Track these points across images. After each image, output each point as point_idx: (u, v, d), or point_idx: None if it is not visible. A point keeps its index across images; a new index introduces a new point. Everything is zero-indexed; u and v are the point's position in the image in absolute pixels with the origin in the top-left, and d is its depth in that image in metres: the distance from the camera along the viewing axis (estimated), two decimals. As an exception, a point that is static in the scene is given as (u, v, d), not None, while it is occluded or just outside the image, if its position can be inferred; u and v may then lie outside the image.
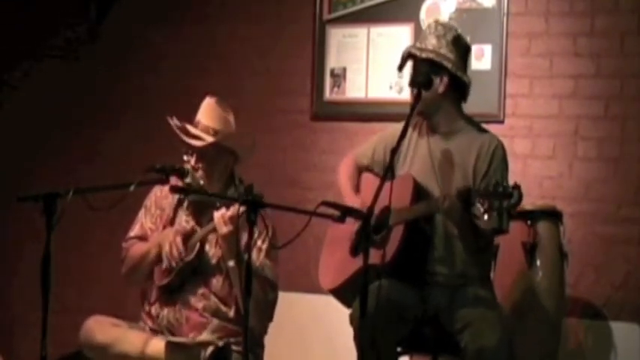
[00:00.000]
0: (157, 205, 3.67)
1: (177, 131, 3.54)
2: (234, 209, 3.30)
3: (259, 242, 3.49)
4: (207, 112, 3.59)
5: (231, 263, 3.38)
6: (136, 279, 3.64)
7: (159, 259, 3.54)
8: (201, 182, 3.51)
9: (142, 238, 3.65)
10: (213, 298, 3.50)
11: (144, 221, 3.67)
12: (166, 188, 3.57)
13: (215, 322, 3.48)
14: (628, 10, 4.40)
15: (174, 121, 3.56)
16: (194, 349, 3.35)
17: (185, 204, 3.62)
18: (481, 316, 3.30)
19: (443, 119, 3.53)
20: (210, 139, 3.51)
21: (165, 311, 3.52)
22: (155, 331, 3.52)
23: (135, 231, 3.67)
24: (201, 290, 3.50)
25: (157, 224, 3.64)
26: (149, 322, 3.56)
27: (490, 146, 3.48)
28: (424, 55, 3.47)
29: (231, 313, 3.49)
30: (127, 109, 5.38)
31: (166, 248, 3.48)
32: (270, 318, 3.55)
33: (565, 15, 4.52)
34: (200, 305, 3.49)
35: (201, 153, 3.52)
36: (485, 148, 3.47)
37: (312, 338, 4.82)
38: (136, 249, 3.62)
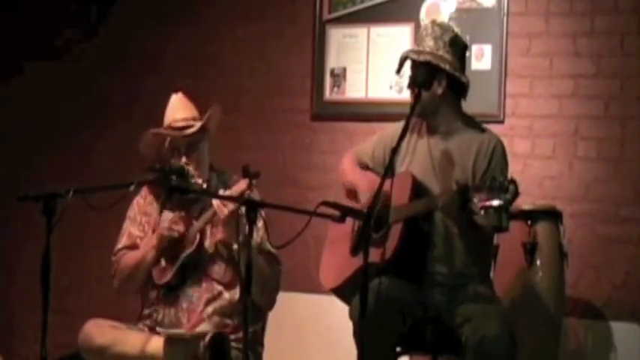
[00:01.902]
0: (141, 213, 3.66)
1: (169, 131, 3.57)
2: (231, 192, 3.30)
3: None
4: (180, 105, 3.66)
5: (235, 246, 3.38)
6: (133, 287, 3.61)
7: (157, 261, 3.54)
8: (194, 173, 3.51)
9: (132, 247, 3.63)
10: (217, 286, 3.51)
11: (131, 230, 3.65)
12: (148, 196, 3.65)
13: (216, 318, 3.48)
14: (628, 10, 4.40)
15: (152, 130, 3.61)
16: (192, 341, 3.34)
17: (169, 205, 3.62)
18: (481, 310, 3.31)
19: (442, 120, 3.54)
20: (197, 124, 3.56)
21: (167, 310, 3.51)
22: (155, 331, 3.51)
23: (123, 242, 3.65)
24: (204, 283, 3.51)
25: (145, 231, 3.64)
26: (149, 323, 3.55)
27: (490, 145, 3.48)
28: (422, 58, 3.47)
29: (237, 296, 3.48)
30: (127, 109, 5.38)
31: (165, 232, 3.48)
32: (277, 290, 3.57)
33: (565, 15, 4.52)
34: (202, 299, 3.48)
35: (191, 144, 3.55)
36: (484, 146, 3.48)
37: (311, 338, 4.82)
38: (129, 257, 3.59)
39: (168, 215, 3.57)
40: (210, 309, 3.48)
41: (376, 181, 3.19)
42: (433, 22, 3.60)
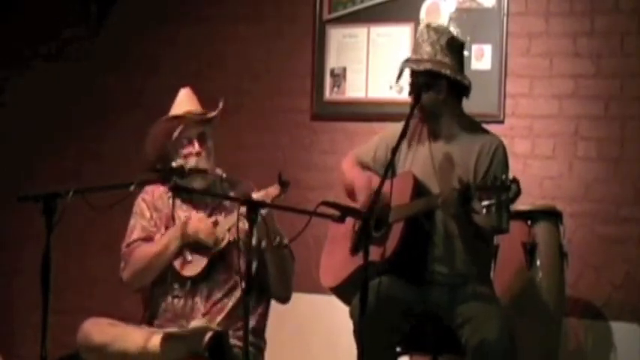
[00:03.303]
0: (151, 209, 3.65)
1: (189, 116, 3.59)
2: (266, 193, 3.36)
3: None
4: (192, 100, 3.69)
5: (254, 241, 3.39)
6: (146, 279, 3.58)
7: (178, 253, 3.53)
8: (206, 166, 3.54)
9: (147, 240, 3.61)
10: (235, 277, 3.52)
11: (143, 224, 3.64)
12: (156, 191, 3.64)
13: (227, 308, 3.49)
14: (628, 10, 4.40)
15: (174, 113, 3.63)
16: (192, 337, 3.34)
17: (180, 200, 3.63)
18: (481, 311, 3.31)
19: (444, 124, 3.54)
20: (213, 112, 3.62)
21: (186, 300, 3.52)
22: (166, 324, 3.51)
23: (136, 235, 3.63)
24: (224, 274, 3.53)
25: (157, 226, 3.63)
26: (164, 306, 3.54)
27: (491, 147, 3.48)
28: (422, 67, 3.47)
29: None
30: (127, 109, 5.38)
31: (201, 236, 3.50)
32: (294, 281, 3.65)
33: (565, 15, 4.52)
34: (224, 288, 3.51)
35: (202, 135, 3.60)
36: (486, 148, 3.48)
37: (312, 338, 4.82)
38: (145, 249, 3.57)
39: (183, 214, 3.59)
40: (227, 300, 3.51)
41: (375, 180, 3.19)
42: (428, 27, 3.57)
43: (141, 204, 3.67)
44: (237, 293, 3.51)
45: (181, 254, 3.54)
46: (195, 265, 3.53)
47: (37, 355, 3.07)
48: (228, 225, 3.50)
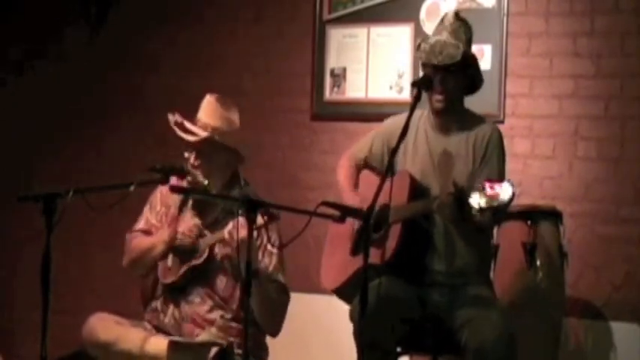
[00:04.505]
0: (162, 203, 3.68)
1: (174, 126, 3.56)
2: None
3: (269, 247, 3.51)
4: (207, 109, 3.61)
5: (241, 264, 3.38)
6: (139, 270, 3.66)
7: (164, 255, 3.55)
8: (204, 181, 3.51)
9: (147, 232, 3.66)
10: (217, 299, 3.51)
11: (149, 216, 3.68)
12: None
13: (219, 321, 3.48)
14: (628, 10, 4.40)
15: (174, 117, 3.58)
16: (198, 349, 3.34)
17: (190, 203, 3.63)
18: (481, 313, 3.31)
19: (453, 115, 3.52)
20: (203, 134, 3.52)
21: (170, 309, 3.52)
22: (158, 329, 3.51)
23: (140, 225, 3.68)
24: (205, 290, 3.51)
25: (162, 222, 3.65)
26: (153, 319, 3.56)
27: (487, 133, 3.50)
28: (460, 50, 3.40)
29: (235, 312, 3.49)
30: (127, 109, 5.38)
31: (180, 229, 3.51)
32: (283, 318, 3.58)
33: (565, 15, 4.52)
34: (204, 305, 3.49)
35: (199, 150, 3.53)
36: (481, 134, 3.49)
37: (312, 338, 4.82)
38: (140, 242, 3.62)
39: (189, 218, 3.59)
40: (211, 315, 3.49)
41: (368, 198, 3.14)
42: (458, 16, 3.51)
43: (157, 194, 3.71)
44: (220, 312, 3.50)
45: (167, 258, 3.55)
46: (172, 273, 3.54)
47: (37, 355, 3.07)
48: (212, 241, 3.49)
